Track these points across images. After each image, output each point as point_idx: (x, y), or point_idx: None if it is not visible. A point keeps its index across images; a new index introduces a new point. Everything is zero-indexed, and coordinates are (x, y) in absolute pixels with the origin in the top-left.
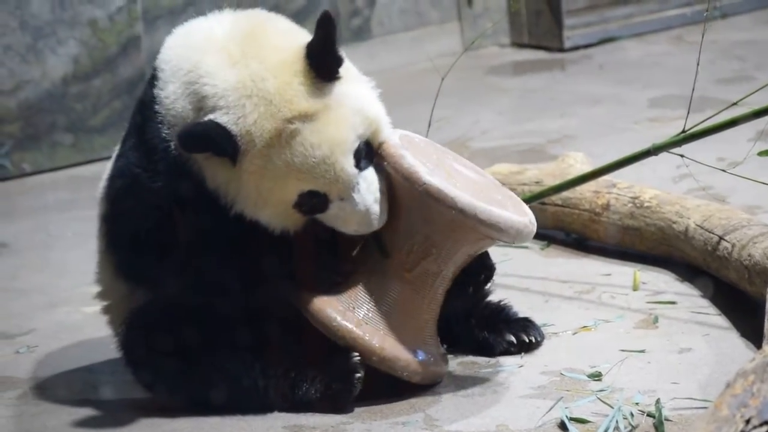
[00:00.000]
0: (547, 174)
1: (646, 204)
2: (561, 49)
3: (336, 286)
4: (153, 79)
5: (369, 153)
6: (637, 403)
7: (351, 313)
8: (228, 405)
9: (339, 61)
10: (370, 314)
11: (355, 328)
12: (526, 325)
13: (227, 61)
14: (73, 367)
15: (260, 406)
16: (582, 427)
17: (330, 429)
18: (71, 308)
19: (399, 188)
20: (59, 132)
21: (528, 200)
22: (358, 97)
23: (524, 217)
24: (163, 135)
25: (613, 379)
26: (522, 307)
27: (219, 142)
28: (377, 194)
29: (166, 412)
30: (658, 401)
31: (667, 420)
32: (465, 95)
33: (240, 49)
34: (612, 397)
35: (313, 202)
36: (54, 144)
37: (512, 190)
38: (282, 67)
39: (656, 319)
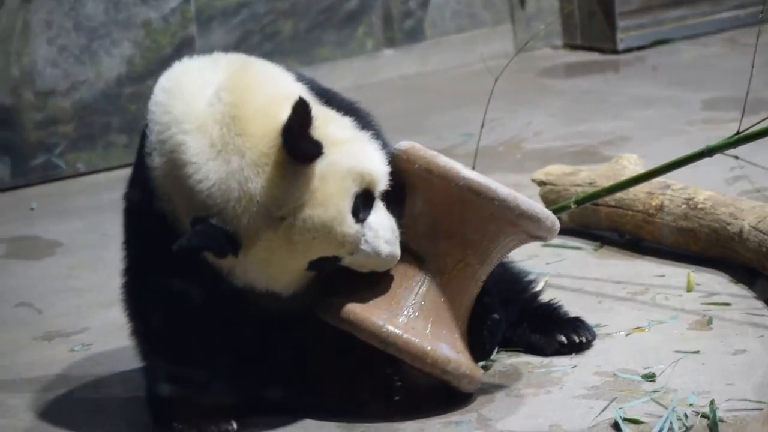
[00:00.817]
0: (601, 175)
1: (700, 205)
2: (614, 51)
3: (372, 295)
4: (145, 136)
5: (367, 201)
6: (691, 404)
7: (396, 320)
8: (280, 404)
9: (317, 148)
10: (413, 320)
11: (404, 334)
12: (576, 325)
13: (208, 151)
14: (128, 365)
15: (312, 406)
16: (635, 427)
17: (383, 428)
18: None
19: (431, 189)
20: (113, 132)
21: (581, 201)
22: (344, 161)
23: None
24: (156, 201)
25: (667, 380)
26: (575, 308)
27: (217, 247)
28: (386, 233)
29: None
30: (712, 402)
31: (721, 421)
32: (517, 97)
33: (220, 135)
34: (666, 398)
35: (325, 264)
36: (108, 144)
37: (565, 191)
38: (262, 161)
39: (710, 321)
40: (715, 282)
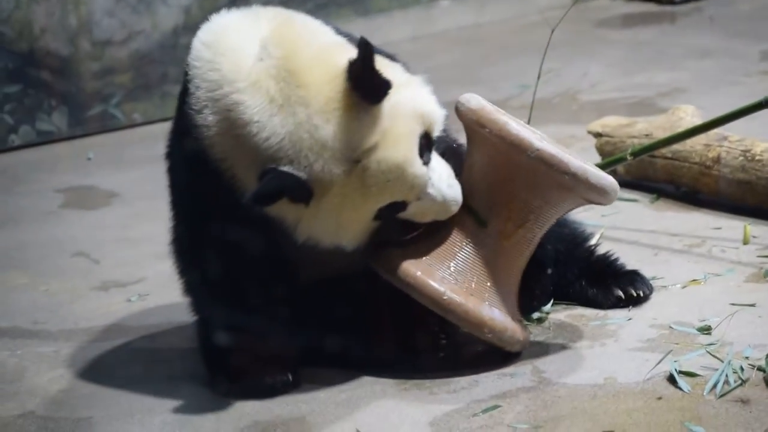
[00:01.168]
0: (657, 127)
1: (757, 157)
2: (671, 2)
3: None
4: (188, 92)
5: (428, 143)
6: (747, 357)
7: (457, 286)
8: (335, 357)
9: (387, 85)
10: (473, 285)
11: (464, 302)
12: (634, 278)
13: (269, 107)
14: (183, 316)
15: (367, 358)
16: (691, 380)
17: (438, 380)
18: None
19: (498, 155)
20: (170, 82)
21: (637, 153)
22: (409, 102)
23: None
24: (208, 158)
25: (723, 333)
26: (631, 260)
27: (294, 191)
28: (449, 179)
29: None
30: None
31: None
32: (574, 48)
33: (278, 89)
34: (721, 351)
35: (392, 210)
36: (164, 94)
37: (621, 143)
38: (330, 107)
39: (767, 273)
40: None
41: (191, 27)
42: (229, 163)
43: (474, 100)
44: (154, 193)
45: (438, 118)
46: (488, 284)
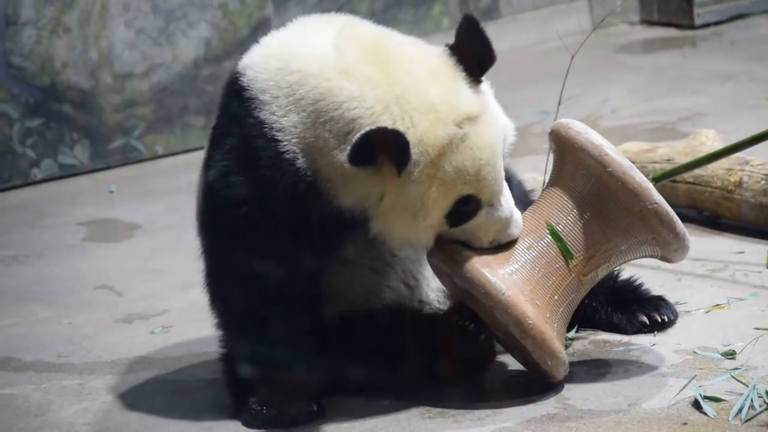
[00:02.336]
0: (679, 152)
1: None
2: (691, 27)
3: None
4: (252, 104)
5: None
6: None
7: (538, 312)
8: (361, 386)
9: (491, 59)
10: (548, 314)
11: (543, 330)
12: (658, 304)
13: (367, 84)
14: (207, 347)
15: (396, 386)
16: (716, 405)
17: (462, 408)
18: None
19: (610, 197)
20: (191, 114)
21: (659, 178)
22: (493, 101)
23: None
24: (288, 161)
25: (747, 358)
26: (654, 286)
27: (394, 148)
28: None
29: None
30: None
31: None
32: (594, 73)
33: (377, 70)
34: (746, 375)
35: (466, 209)
36: (186, 126)
37: (643, 168)
38: (437, 76)
39: None
40: None
41: (211, 59)
42: (315, 161)
43: (590, 134)
44: (177, 224)
45: (509, 131)
46: (557, 315)
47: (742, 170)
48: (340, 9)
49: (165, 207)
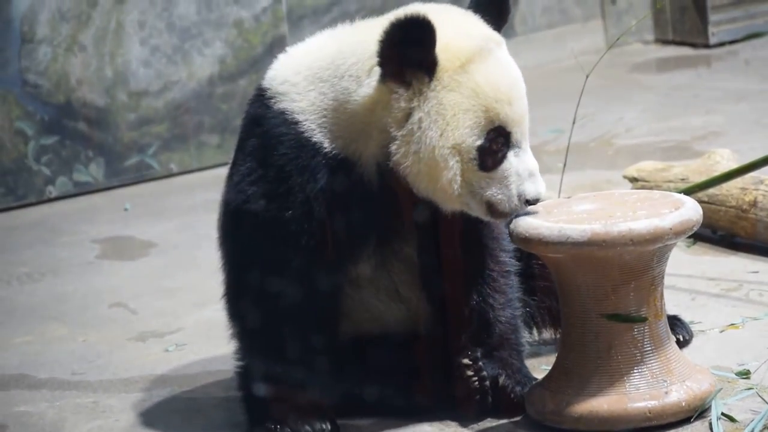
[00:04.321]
0: (693, 171)
1: None
2: (706, 46)
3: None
4: (271, 100)
5: None
6: None
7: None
8: (375, 405)
9: (508, 10)
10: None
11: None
12: (674, 323)
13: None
14: (221, 365)
15: (408, 407)
16: (731, 425)
17: (476, 426)
18: (219, 307)
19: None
20: (205, 132)
21: None
22: None
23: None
24: (309, 141)
25: (762, 377)
26: (669, 305)
27: (422, 43)
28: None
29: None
30: None
31: None
32: (609, 92)
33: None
34: (762, 395)
35: (497, 145)
36: (200, 144)
37: (657, 187)
38: (460, 13)
39: None
40: None
41: (226, 77)
42: (335, 130)
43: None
44: (191, 242)
45: None
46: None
47: (756, 189)
48: None
49: (179, 225)
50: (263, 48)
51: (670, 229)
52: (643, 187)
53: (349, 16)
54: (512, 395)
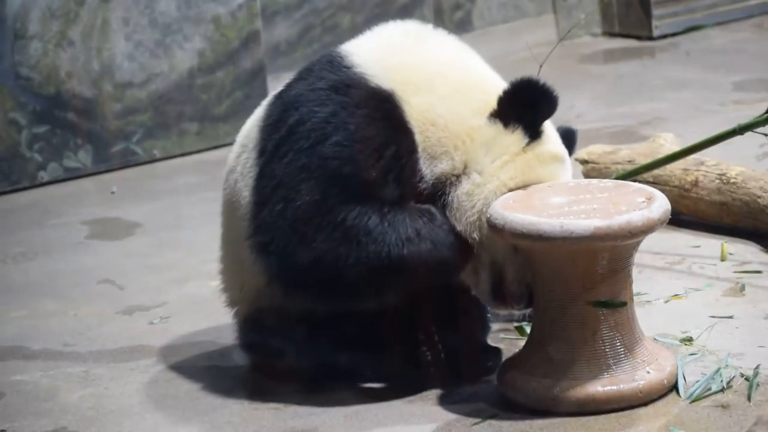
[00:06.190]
0: (639, 154)
1: (732, 180)
2: (650, 38)
3: None
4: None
5: None
6: (726, 366)
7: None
8: (356, 372)
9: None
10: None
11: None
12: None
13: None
14: (203, 335)
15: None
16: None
17: (441, 393)
18: (200, 283)
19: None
20: (186, 120)
21: (621, 178)
22: None
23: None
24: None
25: (704, 344)
26: None
27: (549, 113)
28: None
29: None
30: (758, 367)
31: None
32: (560, 82)
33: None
34: (703, 360)
35: None
36: (182, 132)
37: (606, 169)
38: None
39: (743, 288)
40: (747, 251)
41: (205, 69)
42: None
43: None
44: (174, 223)
45: None
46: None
47: (698, 170)
48: (323, 22)
49: (163, 207)
50: (239, 42)
51: (658, 219)
52: (593, 169)
53: (318, 13)
54: (474, 365)
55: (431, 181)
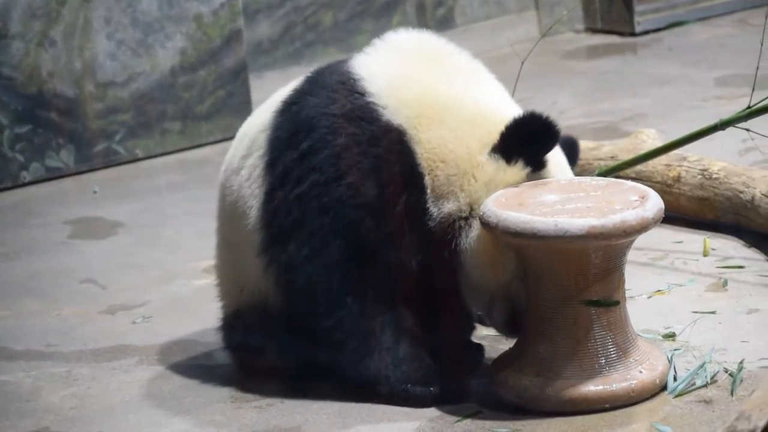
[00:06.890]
0: (622, 149)
1: (714, 175)
2: (632, 34)
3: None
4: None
5: None
6: (709, 361)
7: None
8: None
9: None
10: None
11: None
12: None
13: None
14: (186, 335)
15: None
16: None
17: None
18: (183, 281)
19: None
20: (168, 119)
21: (604, 174)
22: None
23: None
24: (422, 169)
25: (687, 339)
26: None
27: (551, 146)
28: None
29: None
30: (742, 362)
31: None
32: (543, 78)
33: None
34: (686, 355)
35: None
36: (164, 131)
37: (589, 165)
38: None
39: (726, 283)
40: (729, 247)
41: (187, 68)
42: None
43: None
44: (156, 222)
45: None
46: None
47: (680, 166)
48: (305, 20)
49: (145, 206)
50: (221, 41)
51: (653, 218)
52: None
53: (300, 11)
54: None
55: (438, 219)
